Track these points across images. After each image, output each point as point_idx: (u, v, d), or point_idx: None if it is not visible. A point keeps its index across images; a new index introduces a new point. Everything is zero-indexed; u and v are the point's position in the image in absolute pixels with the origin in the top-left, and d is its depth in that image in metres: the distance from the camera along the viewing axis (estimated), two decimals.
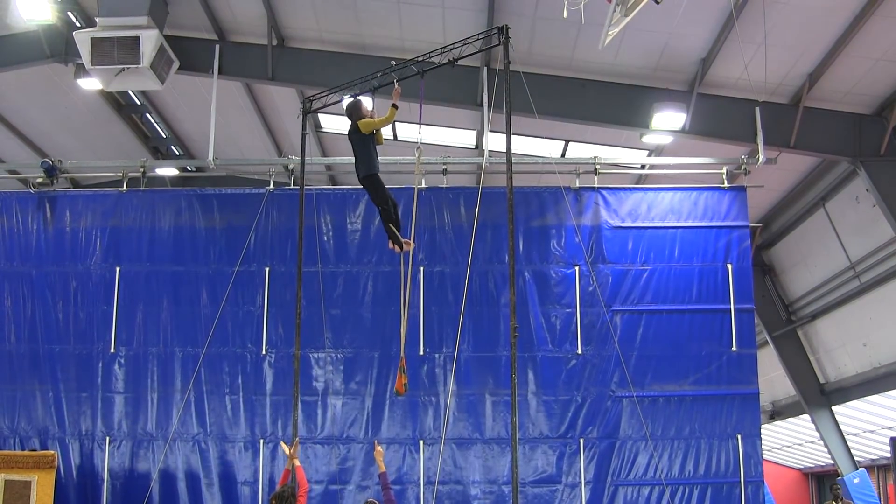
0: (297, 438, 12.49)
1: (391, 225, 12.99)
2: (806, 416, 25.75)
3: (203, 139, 18.62)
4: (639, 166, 19.75)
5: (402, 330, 13.25)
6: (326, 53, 17.46)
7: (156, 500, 16.21)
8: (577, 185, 16.92)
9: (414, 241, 13.52)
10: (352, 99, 13.44)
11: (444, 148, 19.62)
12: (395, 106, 12.57)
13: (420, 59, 13.62)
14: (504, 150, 12.49)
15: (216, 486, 16.34)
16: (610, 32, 12.14)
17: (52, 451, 16.14)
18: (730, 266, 16.57)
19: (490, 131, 16.43)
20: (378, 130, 12.98)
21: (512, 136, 12.47)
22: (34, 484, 15.59)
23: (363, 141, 12.70)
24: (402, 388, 12.75)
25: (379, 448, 11.67)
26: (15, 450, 16.48)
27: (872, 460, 27.49)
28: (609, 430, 16.08)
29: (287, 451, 11.88)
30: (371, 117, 12.79)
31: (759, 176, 17.54)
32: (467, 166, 18.76)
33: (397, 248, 13.10)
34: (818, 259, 21.95)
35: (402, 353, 12.75)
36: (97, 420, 16.67)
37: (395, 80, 13.18)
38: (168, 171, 21.48)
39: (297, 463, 11.62)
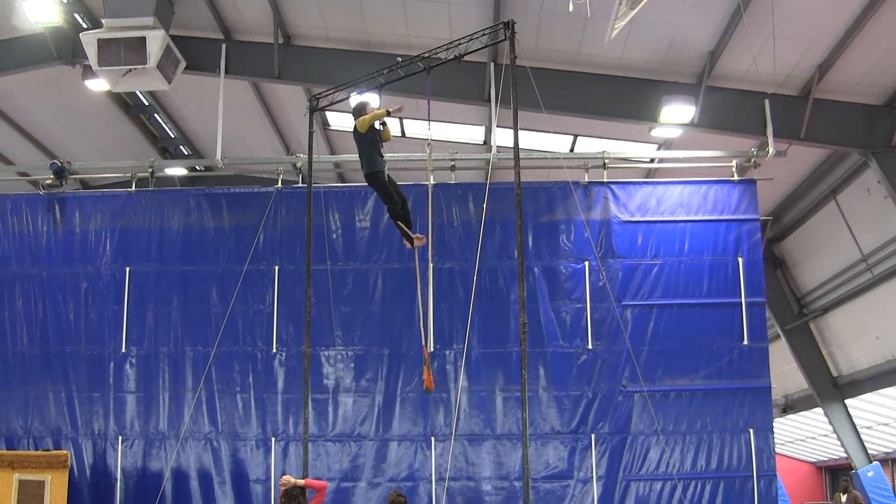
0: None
1: (400, 222, 13.01)
2: (819, 410, 25.72)
3: (211, 138, 18.62)
4: (648, 160, 19.69)
5: (420, 326, 13.28)
6: (333, 51, 17.46)
7: (168, 499, 16.23)
8: (586, 179, 16.86)
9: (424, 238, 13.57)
10: (358, 100, 13.47)
11: (451, 144, 19.62)
12: (388, 112, 12.71)
13: (426, 55, 13.60)
14: (512, 145, 12.48)
15: (228, 485, 16.35)
16: (616, 26, 12.13)
17: (65, 451, 16.18)
18: (740, 259, 16.49)
19: (498, 127, 16.39)
20: (384, 127, 13.04)
21: (520, 131, 12.46)
22: (48, 483, 15.66)
23: (363, 140, 12.82)
24: (430, 384, 12.80)
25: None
26: (28, 450, 16.53)
27: (886, 453, 27.46)
28: (620, 425, 16.04)
29: (285, 483, 11.76)
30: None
31: (769, 169, 17.46)
32: (475, 162, 18.72)
33: (408, 244, 13.16)
34: (830, 251, 21.88)
35: (424, 349, 12.79)
36: (109, 420, 16.70)
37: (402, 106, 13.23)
38: (177, 170, 21.49)
39: (301, 482, 11.61)
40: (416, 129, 19.81)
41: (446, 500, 15.68)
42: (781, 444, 33.15)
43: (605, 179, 16.88)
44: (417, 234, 13.29)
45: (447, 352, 16.31)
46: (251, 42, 17.72)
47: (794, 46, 15.34)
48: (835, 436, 25.63)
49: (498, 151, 16.61)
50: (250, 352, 16.70)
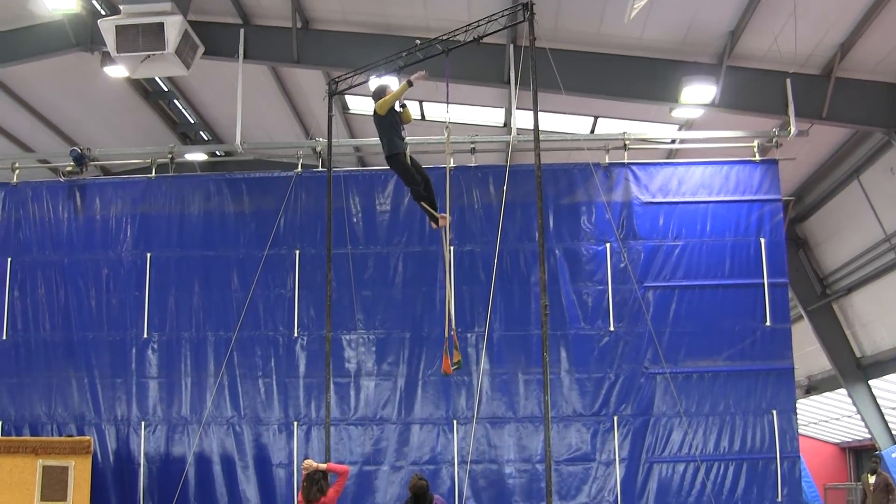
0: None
1: (424, 203, 12.98)
2: (842, 391, 25.56)
3: (231, 123, 18.64)
4: (669, 141, 19.57)
5: (448, 307, 13.26)
6: (351, 34, 17.41)
7: (191, 484, 16.32)
8: (607, 161, 16.78)
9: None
10: (378, 83, 13.42)
11: (471, 127, 19.53)
12: (409, 83, 12.52)
13: (445, 37, 13.55)
14: (532, 127, 12.42)
15: (251, 469, 16.42)
16: (636, 6, 12.06)
17: (89, 437, 16.26)
18: (762, 240, 16.38)
19: (517, 109, 16.33)
20: (405, 109, 12.97)
21: (539, 113, 12.45)
22: (71, 469, 15.74)
23: (382, 122, 12.74)
24: (448, 369, 12.74)
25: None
26: (52, 436, 16.63)
27: None
28: (643, 407, 15.99)
29: (307, 467, 11.71)
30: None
31: (791, 148, 17.30)
32: (495, 145, 18.64)
33: (433, 225, 13.14)
34: (853, 232, 21.71)
35: (452, 331, 12.74)
36: (132, 405, 16.79)
37: (424, 71, 13.09)
38: (197, 156, 21.56)
39: (323, 466, 11.59)
40: (436, 111, 19.74)
41: (469, 483, 15.71)
42: (805, 426, 32.96)
43: (625, 160, 16.80)
44: (442, 214, 13.24)
45: (469, 335, 16.29)
46: (269, 27, 17.70)
47: (815, 25, 15.18)
48: (859, 417, 25.49)
49: (518, 133, 16.59)
50: (272, 336, 16.73)
